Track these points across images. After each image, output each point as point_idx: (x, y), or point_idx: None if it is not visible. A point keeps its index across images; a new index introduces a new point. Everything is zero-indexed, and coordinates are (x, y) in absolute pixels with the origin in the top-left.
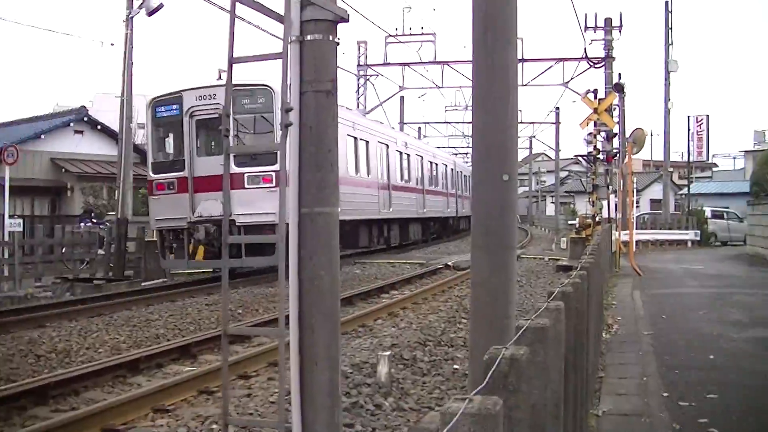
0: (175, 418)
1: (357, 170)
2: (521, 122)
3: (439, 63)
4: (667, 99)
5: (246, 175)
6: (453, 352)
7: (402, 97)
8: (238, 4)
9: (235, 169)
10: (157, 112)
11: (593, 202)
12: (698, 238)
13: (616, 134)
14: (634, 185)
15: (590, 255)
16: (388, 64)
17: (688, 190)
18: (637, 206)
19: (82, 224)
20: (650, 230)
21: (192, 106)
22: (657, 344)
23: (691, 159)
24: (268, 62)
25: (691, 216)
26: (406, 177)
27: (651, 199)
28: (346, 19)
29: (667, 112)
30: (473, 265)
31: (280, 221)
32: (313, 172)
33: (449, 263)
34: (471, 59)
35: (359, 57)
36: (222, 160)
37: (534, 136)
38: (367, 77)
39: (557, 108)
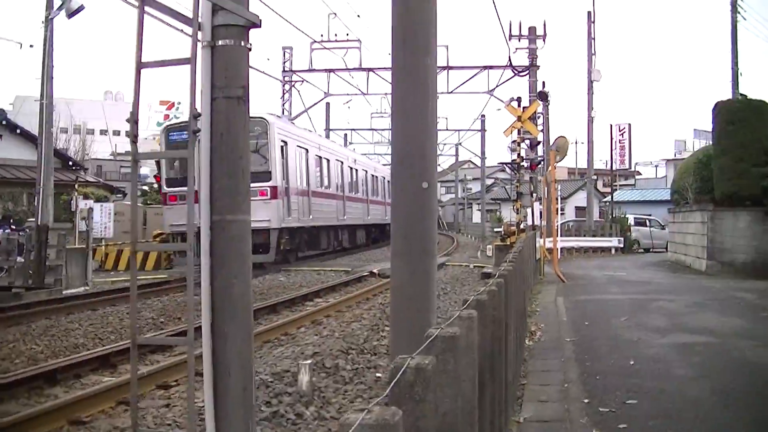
0: (92, 430)
1: (322, 184)
2: (447, 129)
3: (364, 69)
4: (590, 108)
5: None
6: (376, 360)
7: (327, 104)
8: (147, 7)
9: None
10: (170, 137)
11: (518, 209)
12: (622, 245)
13: (540, 142)
14: (558, 193)
15: (510, 262)
16: (314, 70)
17: (612, 197)
18: (562, 213)
19: (0, 231)
20: (575, 237)
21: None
22: (579, 350)
23: (614, 167)
24: (269, 91)
25: (615, 223)
26: (355, 189)
27: (576, 207)
28: (257, 25)
29: (590, 120)
30: (393, 272)
31: (188, 230)
32: (225, 180)
33: (375, 270)
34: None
35: (284, 63)
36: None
37: (460, 144)
38: (293, 83)
39: (483, 116)
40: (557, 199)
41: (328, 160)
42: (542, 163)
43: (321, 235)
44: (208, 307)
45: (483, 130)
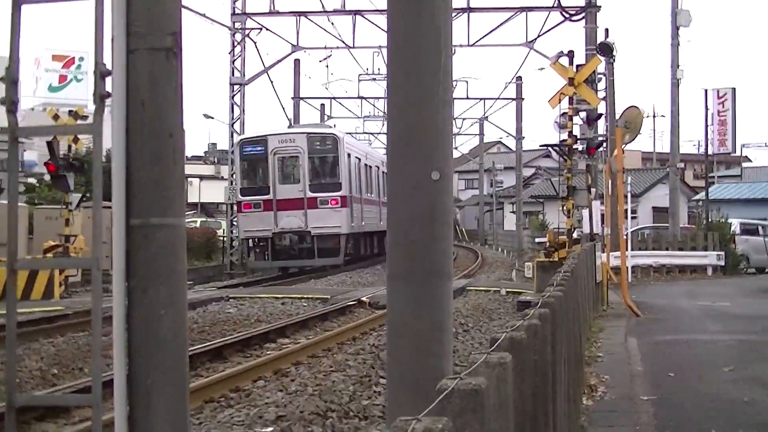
0: None
1: (368, 191)
2: (468, 98)
3: (348, 12)
4: (674, 66)
5: (318, 198)
6: (368, 428)
7: (297, 61)
8: None
9: (310, 194)
10: (244, 150)
11: (569, 211)
12: (722, 263)
13: (602, 115)
14: (628, 188)
15: (559, 285)
16: (278, 13)
17: (707, 194)
18: (633, 217)
19: None
20: (652, 251)
21: (276, 147)
22: (662, 415)
23: (710, 151)
24: (214, 44)
25: (712, 231)
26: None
27: (654, 208)
28: None
29: (674, 84)
30: (391, 303)
31: (94, 240)
32: (148, 167)
33: (364, 298)
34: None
35: (234, 3)
36: (299, 187)
37: (486, 119)
38: (246, 32)
39: (519, 78)
40: (627, 196)
41: (369, 167)
42: (604, 145)
43: (366, 241)
44: (123, 350)
45: (519, 98)
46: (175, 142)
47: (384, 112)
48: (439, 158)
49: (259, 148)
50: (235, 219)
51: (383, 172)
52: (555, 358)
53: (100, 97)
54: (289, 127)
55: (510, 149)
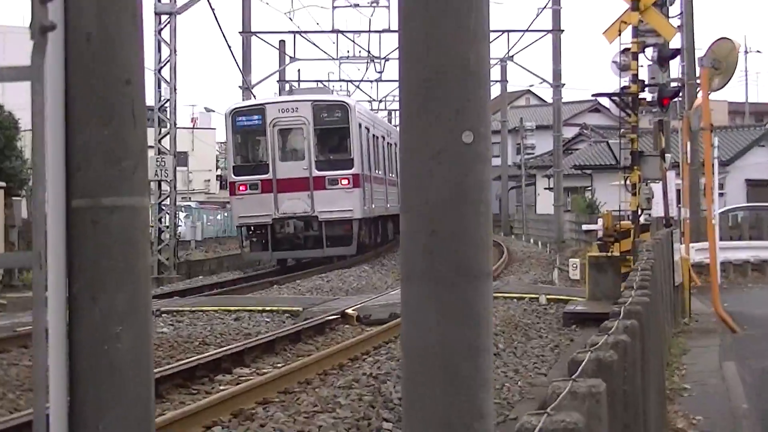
0: None
1: (377, 168)
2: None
3: None
4: None
5: (326, 177)
6: None
7: None
8: None
9: (316, 172)
10: (237, 121)
11: (634, 186)
12: None
13: (678, 52)
14: (714, 153)
15: (640, 289)
16: None
17: None
18: (720, 194)
19: None
20: (750, 242)
21: (275, 118)
22: None
23: None
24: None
25: None
26: (392, 169)
27: (747, 181)
28: None
29: None
30: (406, 314)
31: (35, 229)
32: (97, 127)
33: (350, 311)
34: None
35: None
36: (303, 164)
37: (510, 59)
38: None
39: (557, 1)
40: (713, 165)
41: (377, 138)
42: (681, 93)
43: (373, 228)
44: (64, 381)
45: (557, 30)
46: (134, 91)
47: (368, 52)
48: (471, 114)
49: (256, 119)
50: (166, 204)
51: (388, 144)
52: (645, 386)
53: (41, 28)
54: (289, 92)
55: (544, 101)
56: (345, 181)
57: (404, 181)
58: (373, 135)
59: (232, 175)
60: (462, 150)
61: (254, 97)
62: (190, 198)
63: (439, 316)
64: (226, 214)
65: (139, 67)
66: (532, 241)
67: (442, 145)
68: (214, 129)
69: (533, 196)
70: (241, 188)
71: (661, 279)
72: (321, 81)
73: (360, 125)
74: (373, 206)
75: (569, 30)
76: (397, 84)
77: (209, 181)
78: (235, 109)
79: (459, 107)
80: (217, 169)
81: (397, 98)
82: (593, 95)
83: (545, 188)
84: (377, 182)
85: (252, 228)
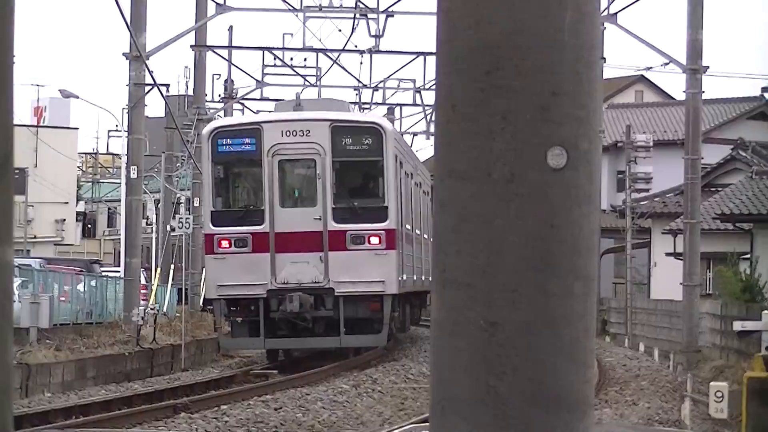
0: None
1: (413, 223)
2: None
3: None
4: None
5: (349, 233)
6: None
7: None
8: None
9: (333, 225)
10: (220, 145)
11: None
12: None
13: None
14: None
15: None
16: None
17: None
18: None
19: None
20: None
21: (277, 144)
22: None
23: None
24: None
25: None
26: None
27: None
28: None
29: None
30: None
31: None
32: None
33: None
34: None
35: None
36: (315, 213)
37: (612, 17)
38: None
39: None
40: None
41: (408, 174)
42: None
43: (403, 307)
44: None
45: None
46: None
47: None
48: (566, 115)
49: (247, 144)
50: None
51: (416, 183)
52: None
53: None
54: (295, 107)
55: (669, 97)
56: (375, 239)
57: (441, 230)
58: (405, 172)
59: (210, 225)
60: (547, 179)
61: (150, 72)
62: (28, 252)
63: None
64: (94, 283)
65: (7, 66)
66: (642, 347)
67: (510, 171)
68: (77, 129)
69: (646, 266)
70: (221, 244)
71: None
72: (269, 49)
73: (397, 158)
74: (414, 277)
75: None
76: (409, 59)
77: (64, 221)
78: (217, 128)
79: (543, 103)
80: (79, 200)
81: (407, 84)
82: (765, 90)
83: (667, 253)
84: (411, 241)
85: (236, 303)
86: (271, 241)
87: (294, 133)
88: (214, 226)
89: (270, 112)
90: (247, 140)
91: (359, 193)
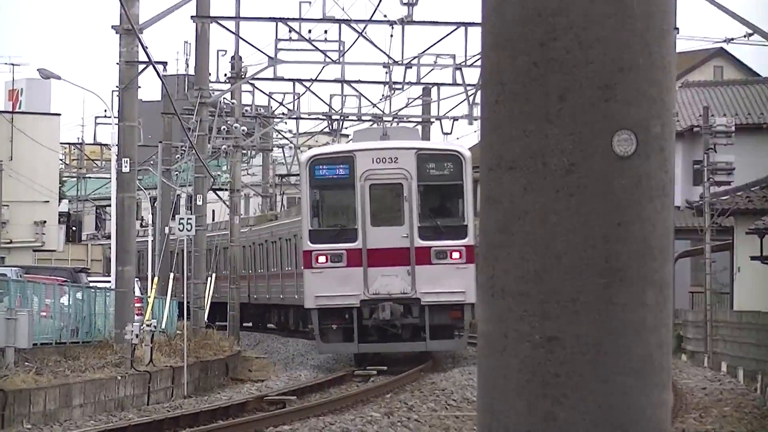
0: None
1: None
2: None
3: None
4: None
5: (433, 249)
6: None
7: None
8: None
9: (419, 242)
10: (317, 171)
11: None
12: None
13: None
14: None
15: None
16: None
17: None
18: None
19: None
20: None
21: (368, 170)
22: None
23: None
24: None
25: None
26: None
27: None
28: None
29: None
30: None
31: None
32: None
33: None
34: None
35: None
36: (402, 231)
37: None
38: None
39: None
40: None
41: None
42: None
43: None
44: None
45: None
46: None
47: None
48: (634, 95)
49: (341, 170)
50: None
51: None
52: None
53: None
54: (382, 136)
55: (754, 74)
56: (456, 254)
57: (488, 229)
58: None
59: (308, 243)
60: (612, 169)
61: (144, 48)
62: (3, 259)
63: None
64: (81, 295)
65: None
66: (724, 367)
67: (569, 159)
68: (59, 115)
69: (727, 271)
70: (318, 259)
71: None
72: (283, 20)
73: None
74: None
75: None
76: (448, 31)
77: (45, 223)
78: (314, 156)
79: (607, 80)
80: (62, 199)
81: (446, 61)
82: None
83: (752, 257)
84: None
85: (331, 312)
86: (364, 257)
87: (383, 160)
88: (312, 243)
89: (349, 137)
90: (341, 167)
91: (442, 213)
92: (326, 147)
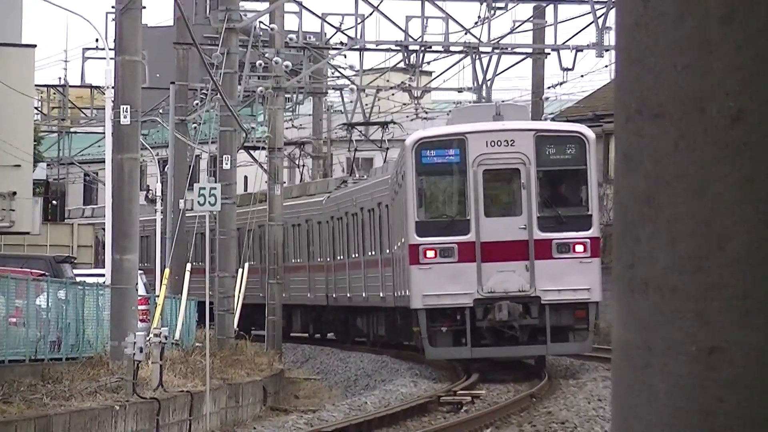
0: None
1: None
2: None
3: None
4: None
5: (554, 242)
6: None
7: None
8: None
9: (539, 234)
10: (424, 156)
11: None
12: None
13: None
14: None
15: None
16: None
17: None
18: None
19: None
20: None
21: (481, 154)
22: None
23: None
24: None
25: None
26: None
27: None
28: None
29: None
30: None
31: None
32: None
33: None
34: None
35: None
36: (520, 222)
37: None
38: None
39: None
40: None
41: None
42: None
43: None
44: None
45: None
46: None
47: None
48: None
49: (451, 155)
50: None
51: None
52: None
53: None
54: (495, 116)
55: None
56: (580, 248)
57: (626, 200)
58: None
59: (415, 236)
60: None
61: None
62: None
63: None
64: (65, 295)
65: None
66: None
67: (737, 104)
68: (34, 47)
69: None
70: (426, 254)
71: None
72: None
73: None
74: None
75: None
76: None
77: (15, 196)
78: (421, 139)
79: None
80: (38, 162)
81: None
82: None
83: None
84: None
85: (440, 313)
86: (477, 251)
87: (498, 143)
88: (418, 235)
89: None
90: (451, 151)
91: (563, 202)
92: (433, 129)
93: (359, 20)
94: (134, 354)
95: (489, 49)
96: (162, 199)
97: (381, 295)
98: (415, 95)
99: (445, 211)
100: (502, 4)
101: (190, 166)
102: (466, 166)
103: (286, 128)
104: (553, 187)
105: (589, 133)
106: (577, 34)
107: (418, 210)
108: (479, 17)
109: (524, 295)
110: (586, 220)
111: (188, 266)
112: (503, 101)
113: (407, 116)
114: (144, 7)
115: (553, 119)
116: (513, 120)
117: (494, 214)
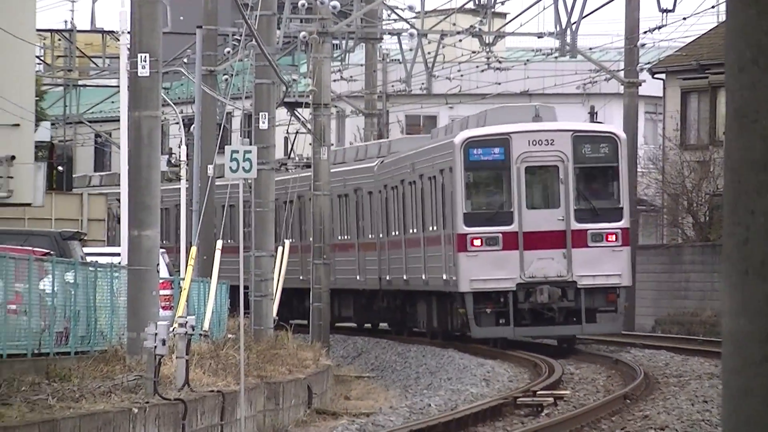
0: None
1: None
2: None
3: None
4: None
5: (589, 232)
6: None
7: None
8: None
9: (575, 224)
10: (471, 154)
11: None
12: None
13: None
14: None
15: None
16: None
17: None
18: None
19: None
20: None
21: (524, 152)
22: None
23: None
24: None
25: None
26: None
27: None
28: None
29: None
30: None
31: None
32: None
33: None
34: None
35: None
36: (558, 214)
37: None
38: None
39: None
40: None
41: None
42: None
43: None
44: None
45: None
46: None
47: None
48: None
49: (497, 153)
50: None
51: None
52: None
53: None
54: (534, 117)
55: None
56: (612, 237)
57: (737, 167)
58: None
59: (463, 226)
60: None
61: None
62: None
63: None
64: (74, 278)
65: None
66: None
67: None
68: None
69: None
70: (473, 243)
71: None
72: None
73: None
74: None
75: None
76: None
77: (14, 160)
78: (469, 138)
79: None
80: (40, 121)
81: None
82: None
83: None
84: None
85: (486, 296)
86: (520, 240)
87: (539, 143)
88: (466, 225)
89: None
90: (497, 149)
91: (597, 196)
92: (479, 129)
93: None
94: (155, 347)
95: None
96: (187, 165)
97: (444, 277)
98: (487, 41)
99: (491, 204)
100: None
101: (220, 126)
102: (510, 163)
103: (334, 81)
104: (588, 182)
105: (621, 133)
106: None
107: (465, 202)
108: None
109: (562, 280)
110: (617, 212)
111: (218, 244)
112: (538, 105)
113: (477, 66)
114: None
115: (650, 70)
116: (548, 121)
117: (535, 206)
